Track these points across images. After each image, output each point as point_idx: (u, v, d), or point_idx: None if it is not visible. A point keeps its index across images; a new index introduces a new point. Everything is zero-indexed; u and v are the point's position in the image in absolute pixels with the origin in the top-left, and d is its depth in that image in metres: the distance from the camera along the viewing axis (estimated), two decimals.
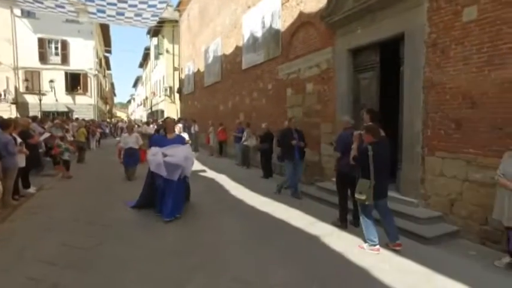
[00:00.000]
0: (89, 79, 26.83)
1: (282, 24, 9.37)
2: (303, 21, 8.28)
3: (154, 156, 5.20)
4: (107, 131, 27.12)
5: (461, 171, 4.64)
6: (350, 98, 6.85)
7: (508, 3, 4.03)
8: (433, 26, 4.91)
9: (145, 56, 41.71)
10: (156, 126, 20.41)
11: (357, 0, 6.17)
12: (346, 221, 5.10)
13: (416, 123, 5.25)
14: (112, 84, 57.06)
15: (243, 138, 11.06)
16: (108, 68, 46.69)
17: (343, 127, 5.27)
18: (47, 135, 9.25)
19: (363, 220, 4.17)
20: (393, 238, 4.15)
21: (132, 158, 8.69)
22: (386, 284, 3.35)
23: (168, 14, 26.87)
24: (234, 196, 7.20)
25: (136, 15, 13.11)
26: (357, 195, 4.00)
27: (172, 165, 5.13)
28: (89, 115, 25.99)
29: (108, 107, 44.73)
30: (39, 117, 12.67)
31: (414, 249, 4.26)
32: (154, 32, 30.15)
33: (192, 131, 15.56)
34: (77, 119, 16.67)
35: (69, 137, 11.38)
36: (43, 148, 10.35)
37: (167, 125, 5.83)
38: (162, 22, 25.63)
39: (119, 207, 6.07)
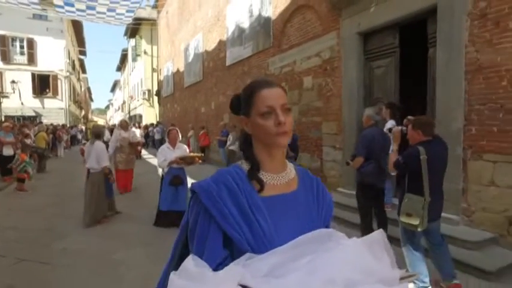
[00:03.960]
0: (59, 81, 24.77)
1: (273, 10, 8.18)
2: (299, 5, 7.11)
3: None
4: (79, 136, 25.11)
5: None
6: (360, 91, 5.68)
7: None
8: None
9: (123, 59, 39.76)
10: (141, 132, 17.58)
11: None
12: None
13: (455, 119, 4.11)
14: (88, 89, 54.38)
15: (228, 142, 9.75)
16: (84, 71, 44.39)
17: (364, 124, 4.08)
18: None
19: (409, 252, 2.94)
20: (449, 275, 2.94)
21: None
22: None
23: (146, 13, 25.47)
24: None
25: (109, 10, 11.79)
26: (404, 219, 2.77)
27: None
28: (60, 120, 23.93)
29: (83, 112, 42.30)
30: None
31: None
32: (132, 32, 28.60)
33: None
34: (40, 123, 14.85)
35: (30, 142, 9.77)
36: None
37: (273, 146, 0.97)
38: (139, 22, 24.17)
39: (74, 233, 4.65)
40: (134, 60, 31.47)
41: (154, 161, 13.59)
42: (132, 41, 30.95)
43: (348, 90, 5.81)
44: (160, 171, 5.23)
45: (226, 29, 10.97)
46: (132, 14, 12.84)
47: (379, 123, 4.10)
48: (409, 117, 3.15)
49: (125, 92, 42.30)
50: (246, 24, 9.60)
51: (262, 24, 8.70)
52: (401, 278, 0.84)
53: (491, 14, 3.70)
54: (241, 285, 0.75)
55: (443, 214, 4.19)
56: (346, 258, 0.81)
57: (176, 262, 0.94)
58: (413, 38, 5.28)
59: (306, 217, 0.95)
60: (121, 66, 44.03)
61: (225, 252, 0.86)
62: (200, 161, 5.00)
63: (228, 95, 11.07)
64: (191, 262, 0.81)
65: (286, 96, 0.94)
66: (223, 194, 0.88)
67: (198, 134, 12.77)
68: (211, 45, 12.53)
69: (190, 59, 15.16)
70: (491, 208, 3.82)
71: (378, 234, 0.92)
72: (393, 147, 3.06)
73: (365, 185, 3.83)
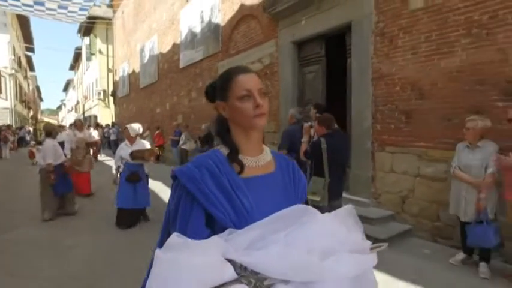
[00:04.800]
0: (3, 79, 23.39)
1: (222, 18, 8.75)
2: (244, 14, 7.75)
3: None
4: (28, 137, 23.85)
5: (412, 166, 4.38)
6: (295, 94, 6.42)
7: None
8: (381, 14, 4.65)
9: (77, 57, 38.14)
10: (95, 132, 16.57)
11: None
12: None
13: (366, 118, 4.94)
14: (37, 88, 51.29)
15: (181, 142, 10.16)
16: (32, 69, 41.91)
17: (288, 122, 4.76)
18: None
19: None
20: None
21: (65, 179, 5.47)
22: None
23: (101, 11, 24.84)
24: None
25: (61, 7, 11.43)
26: (309, 196, 3.44)
27: None
28: (5, 120, 22.60)
29: (31, 112, 39.94)
30: None
31: None
32: (86, 30, 27.66)
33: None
34: None
35: None
36: None
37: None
38: (93, 20, 23.55)
39: (23, 226, 4.84)
40: (89, 59, 30.43)
41: (110, 162, 13.59)
42: (86, 40, 29.90)
43: (285, 93, 6.53)
44: (113, 168, 5.21)
45: (180, 33, 11.35)
46: (85, 13, 12.53)
47: (301, 121, 4.81)
48: (317, 115, 3.86)
49: (78, 92, 40.57)
50: (197, 29, 10.08)
51: (212, 30, 9.24)
52: (371, 248, 0.89)
53: (387, 33, 4.55)
54: (225, 259, 0.78)
55: (357, 198, 5.05)
56: (320, 230, 0.86)
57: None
58: (339, 49, 6.10)
59: (284, 197, 0.99)
60: (74, 65, 42.16)
61: (207, 230, 0.88)
62: (152, 157, 4.84)
63: (181, 96, 11.45)
64: (175, 238, 0.83)
65: (261, 82, 0.99)
66: (205, 177, 0.90)
67: (153, 134, 12.96)
68: (166, 48, 12.82)
69: (145, 60, 15.26)
70: (391, 191, 4.67)
71: (348, 209, 0.96)
72: (304, 139, 3.74)
73: None
